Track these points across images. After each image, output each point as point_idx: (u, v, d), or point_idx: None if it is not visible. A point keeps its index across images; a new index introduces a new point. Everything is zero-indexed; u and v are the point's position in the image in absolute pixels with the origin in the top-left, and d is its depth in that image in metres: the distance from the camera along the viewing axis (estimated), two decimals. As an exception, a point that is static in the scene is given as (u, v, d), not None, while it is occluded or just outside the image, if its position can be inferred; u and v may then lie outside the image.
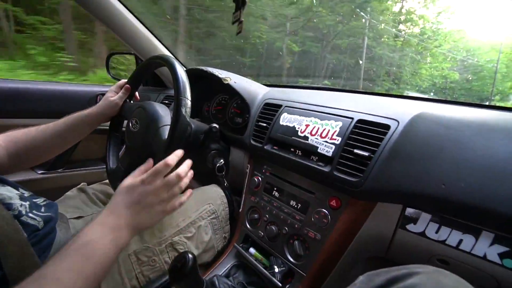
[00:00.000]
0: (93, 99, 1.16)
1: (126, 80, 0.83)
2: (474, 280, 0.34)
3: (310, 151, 0.69)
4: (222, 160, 0.89)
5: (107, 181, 0.89)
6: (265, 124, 0.81)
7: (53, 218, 0.61)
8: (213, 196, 0.85)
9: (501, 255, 0.47)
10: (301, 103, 0.78)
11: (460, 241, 0.51)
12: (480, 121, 0.55)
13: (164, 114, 0.74)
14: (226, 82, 0.92)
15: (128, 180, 0.53)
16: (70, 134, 0.74)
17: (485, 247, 0.48)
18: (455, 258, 0.53)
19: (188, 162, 0.61)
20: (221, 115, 1.12)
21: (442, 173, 0.51)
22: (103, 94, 0.86)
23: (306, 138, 0.70)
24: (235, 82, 0.93)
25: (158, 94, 1.31)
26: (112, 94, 0.80)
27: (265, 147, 0.79)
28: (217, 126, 0.81)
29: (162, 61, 0.72)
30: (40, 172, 1.10)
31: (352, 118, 0.64)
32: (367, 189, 0.58)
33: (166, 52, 1.23)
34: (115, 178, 0.77)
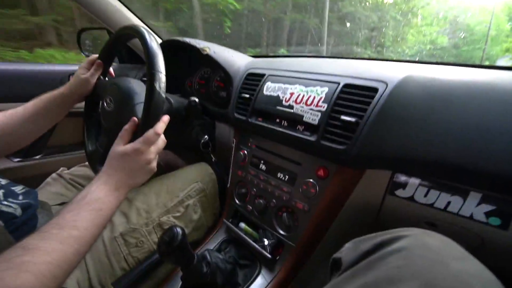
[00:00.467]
0: (65, 79, 1.08)
1: (97, 55, 0.76)
2: (459, 239, 0.33)
3: (296, 120, 0.65)
4: (206, 136, 0.85)
5: (86, 163, 0.85)
6: (248, 95, 0.76)
7: (32, 205, 0.58)
8: (201, 174, 0.83)
9: (487, 214, 0.47)
10: (285, 70, 0.73)
11: (448, 203, 0.50)
12: (471, 80, 0.52)
13: (140, 90, 0.69)
14: (205, 53, 0.86)
15: (120, 147, 0.55)
16: (42, 118, 0.68)
17: (472, 207, 0.48)
18: (443, 220, 0.53)
19: (165, 119, 0.61)
20: (204, 89, 1.06)
21: (433, 135, 0.49)
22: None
23: (291, 107, 0.66)
24: (215, 52, 0.87)
25: (136, 72, 1.23)
26: (83, 71, 0.73)
27: (249, 119, 0.75)
28: (196, 99, 0.77)
29: (132, 31, 0.66)
30: (16, 160, 1.04)
31: (339, 83, 0.60)
32: (355, 156, 0.56)
33: (138, 22, 1.13)
34: (95, 161, 0.74)
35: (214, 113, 0.91)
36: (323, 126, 0.59)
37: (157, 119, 0.58)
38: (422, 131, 0.50)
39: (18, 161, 1.04)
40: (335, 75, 0.63)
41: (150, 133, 0.55)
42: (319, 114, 0.60)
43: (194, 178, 0.80)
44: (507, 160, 0.42)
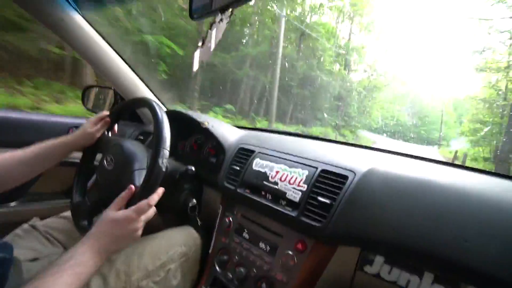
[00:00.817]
0: (65, 132, 1.13)
1: (107, 112, 0.84)
2: None
3: (279, 196, 0.75)
4: (194, 200, 0.91)
5: (61, 214, 0.85)
6: (238, 168, 0.86)
7: (6, 260, 0.57)
8: (186, 238, 0.84)
9: None
10: (272, 150, 0.86)
11: (408, 282, 0.58)
12: (423, 177, 0.66)
13: (142, 156, 0.76)
14: (204, 127, 0.98)
15: (112, 213, 0.59)
16: (38, 162, 0.72)
17: (426, 287, 0.56)
18: None
19: (160, 192, 0.66)
20: (195, 154, 1.16)
21: (393, 220, 0.60)
22: (76, 127, 0.86)
23: (276, 183, 0.76)
24: (213, 126, 1.00)
25: (133, 129, 1.32)
26: (91, 125, 0.81)
27: (238, 190, 0.83)
28: (193, 168, 0.85)
29: (147, 106, 0.75)
30: None
31: (317, 168, 0.73)
32: (329, 234, 0.64)
33: (147, 92, 1.27)
34: (79, 213, 0.75)
35: (203, 178, 0.98)
36: (303, 204, 0.69)
37: (153, 191, 0.64)
38: (384, 216, 0.61)
39: None
40: (315, 160, 0.76)
41: (143, 203, 0.60)
42: (300, 193, 0.71)
43: (179, 241, 0.81)
44: (450, 246, 0.53)
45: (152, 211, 0.63)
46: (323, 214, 0.66)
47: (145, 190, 0.63)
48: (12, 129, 1.03)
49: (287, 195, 0.73)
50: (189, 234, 0.87)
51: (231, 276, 0.79)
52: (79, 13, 0.97)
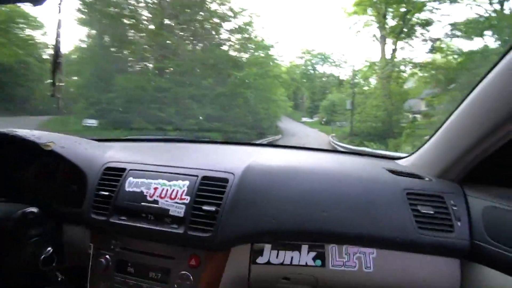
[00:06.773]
0: None
1: None
2: (305, 283, 0.45)
3: (163, 214, 0.67)
4: (49, 248, 0.69)
5: None
6: (107, 193, 0.71)
7: None
8: None
9: (314, 258, 0.65)
10: (146, 164, 0.76)
11: (292, 258, 0.66)
12: (294, 164, 0.75)
13: None
14: (48, 149, 0.74)
15: None
16: None
17: (304, 257, 0.65)
18: (292, 272, 0.67)
19: None
20: (45, 184, 0.88)
21: (273, 211, 0.66)
22: None
23: (156, 202, 0.68)
24: (63, 147, 0.77)
25: None
26: None
27: (110, 219, 0.69)
28: (34, 210, 0.63)
29: None
30: None
31: (197, 176, 0.69)
32: (220, 241, 0.63)
33: None
34: None
35: (60, 214, 0.76)
36: (188, 218, 0.64)
37: None
38: (265, 209, 0.66)
39: None
40: (194, 168, 0.72)
41: None
42: (184, 206, 0.66)
43: None
44: (314, 219, 0.64)
45: None
46: (210, 222, 0.64)
47: None
48: None
49: (170, 211, 0.66)
50: None
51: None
52: None
